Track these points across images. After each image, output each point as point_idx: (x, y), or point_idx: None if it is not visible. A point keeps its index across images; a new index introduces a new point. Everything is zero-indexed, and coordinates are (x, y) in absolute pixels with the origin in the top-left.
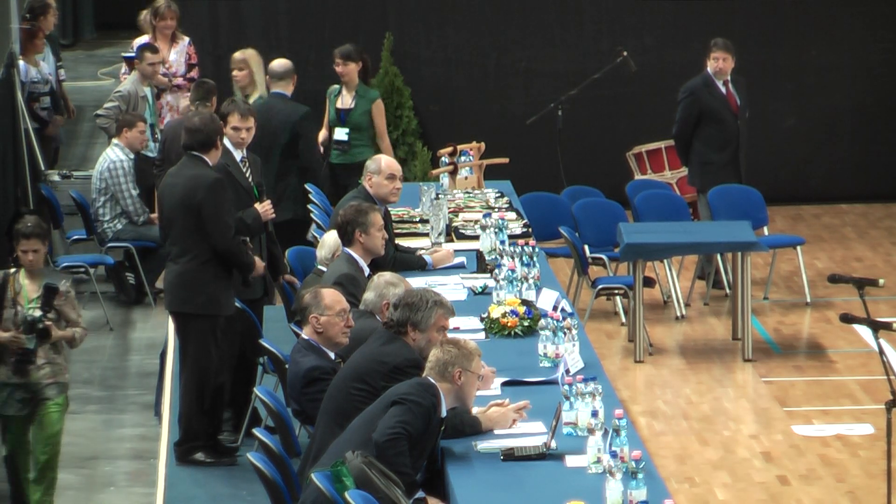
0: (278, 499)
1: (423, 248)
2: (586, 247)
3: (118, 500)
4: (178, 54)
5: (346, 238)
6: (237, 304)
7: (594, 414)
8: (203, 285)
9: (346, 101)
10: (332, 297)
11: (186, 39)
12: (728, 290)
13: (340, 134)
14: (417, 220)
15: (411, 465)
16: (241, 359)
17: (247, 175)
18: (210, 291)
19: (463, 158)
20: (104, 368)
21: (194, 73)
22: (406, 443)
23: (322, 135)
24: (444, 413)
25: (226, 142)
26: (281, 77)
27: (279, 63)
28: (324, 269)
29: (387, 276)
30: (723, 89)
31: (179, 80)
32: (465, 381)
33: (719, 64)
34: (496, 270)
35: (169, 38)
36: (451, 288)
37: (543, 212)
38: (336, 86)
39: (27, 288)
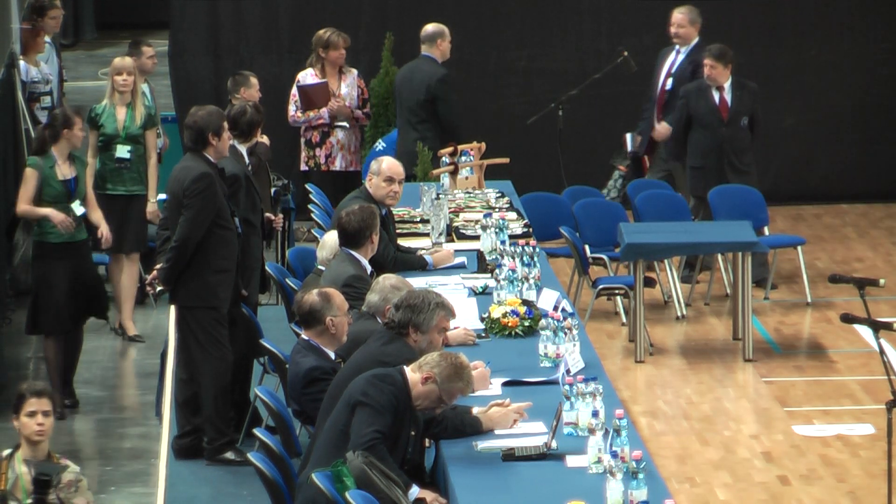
0: (279, 499)
1: (423, 249)
2: (587, 247)
3: (118, 500)
4: (349, 87)
5: (359, 242)
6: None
7: (595, 414)
8: (196, 276)
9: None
10: (340, 297)
11: (355, 72)
12: (728, 288)
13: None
14: (418, 220)
15: (394, 460)
16: (241, 359)
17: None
18: (207, 281)
19: (463, 158)
20: (104, 368)
21: (368, 109)
22: (383, 445)
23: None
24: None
25: (240, 148)
26: (426, 40)
27: (429, 26)
28: (324, 269)
29: (392, 279)
30: (716, 95)
31: (358, 113)
32: (428, 390)
33: (707, 71)
34: (497, 270)
35: (337, 70)
36: (452, 288)
37: (544, 212)
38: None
39: (24, 477)
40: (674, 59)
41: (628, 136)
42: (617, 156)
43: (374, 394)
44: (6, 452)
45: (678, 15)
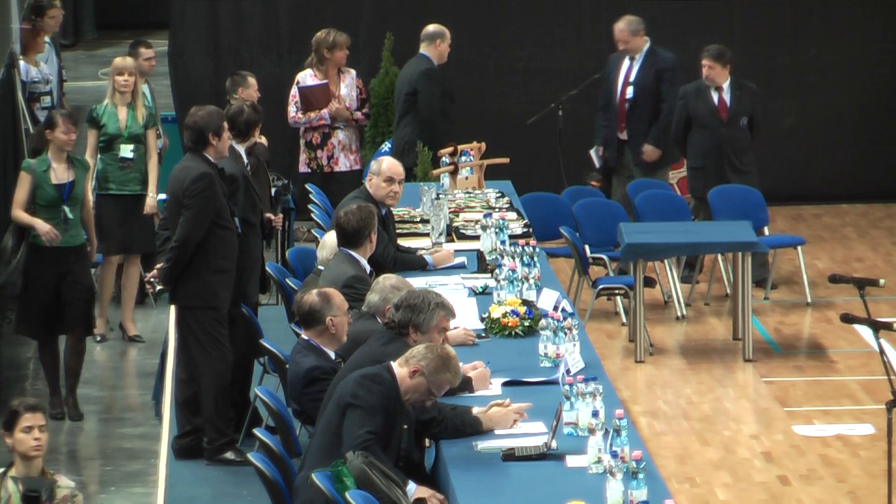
0: (279, 499)
1: (423, 249)
2: (587, 247)
3: (118, 500)
4: (348, 88)
5: (358, 241)
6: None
7: (595, 414)
8: (196, 276)
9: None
10: (339, 297)
11: (353, 72)
12: (728, 289)
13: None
14: (418, 220)
15: (389, 457)
16: (241, 359)
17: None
18: (207, 281)
19: (463, 158)
20: (104, 368)
21: (367, 109)
22: (377, 446)
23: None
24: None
25: (238, 148)
26: (425, 39)
27: (430, 26)
28: (323, 269)
29: (392, 279)
30: (714, 96)
31: (357, 115)
32: (416, 383)
33: (706, 71)
34: (497, 270)
35: (336, 72)
36: (452, 288)
37: (544, 212)
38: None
39: (17, 496)
40: (629, 66)
41: (592, 152)
42: (587, 172)
43: (363, 395)
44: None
45: (618, 31)
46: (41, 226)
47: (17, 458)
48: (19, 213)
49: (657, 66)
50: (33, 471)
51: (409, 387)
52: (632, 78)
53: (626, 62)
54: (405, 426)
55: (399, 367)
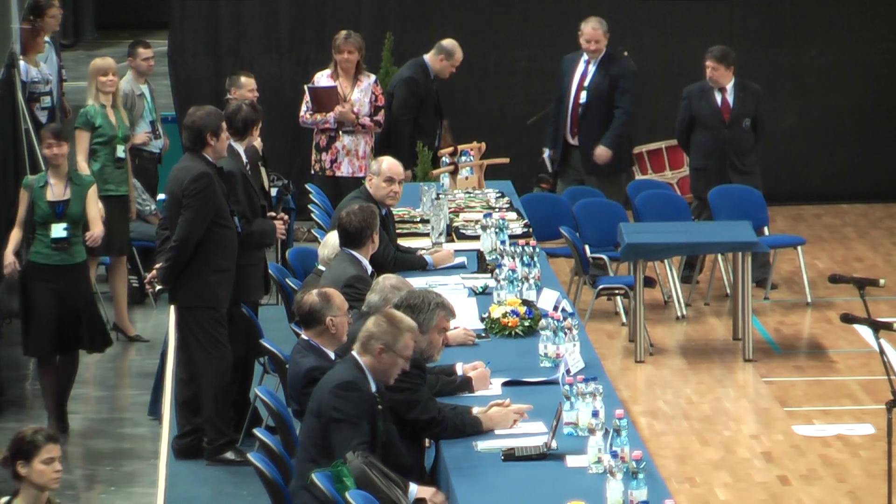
0: (278, 499)
1: (423, 249)
2: (587, 247)
3: (118, 500)
4: (361, 93)
5: (360, 241)
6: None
7: (595, 414)
8: (196, 275)
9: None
10: (339, 297)
11: (372, 77)
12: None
13: (58, 230)
14: (418, 220)
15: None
16: (241, 359)
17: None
18: (207, 281)
19: (463, 158)
20: (104, 368)
21: (380, 117)
22: (370, 453)
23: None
24: (373, 387)
25: (237, 146)
26: (434, 48)
27: (448, 40)
28: (324, 268)
29: (392, 279)
30: (718, 97)
31: (365, 121)
32: (386, 361)
33: (709, 73)
34: (497, 270)
35: (351, 75)
36: (452, 288)
37: (544, 212)
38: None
39: None
40: (584, 69)
41: (546, 156)
42: (535, 174)
43: (344, 407)
44: (3, 500)
45: (592, 31)
46: (7, 257)
47: (31, 488)
48: (12, 234)
49: (612, 74)
50: (41, 502)
51: (383, 369)
52: (586, 83)
53: (582, 65)
54: (380, 407)
55: (363, 357)
